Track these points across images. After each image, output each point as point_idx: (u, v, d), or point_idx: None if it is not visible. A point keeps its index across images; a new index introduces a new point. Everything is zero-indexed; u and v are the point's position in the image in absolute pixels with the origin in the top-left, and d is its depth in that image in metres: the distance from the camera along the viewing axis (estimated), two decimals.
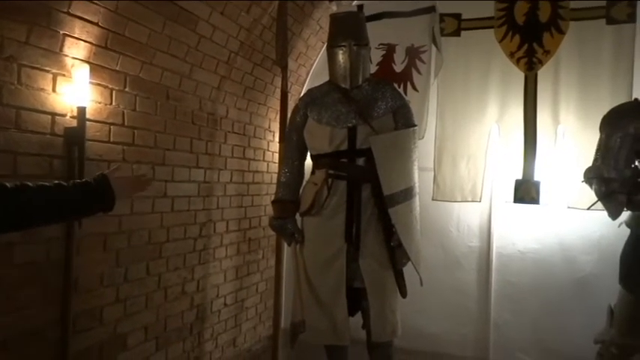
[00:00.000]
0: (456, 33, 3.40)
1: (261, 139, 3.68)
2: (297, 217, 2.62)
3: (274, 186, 3.76)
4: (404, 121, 2.53)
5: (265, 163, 3.75)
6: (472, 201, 3.42)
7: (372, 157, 2.39)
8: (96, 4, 2.09)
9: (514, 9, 3.24)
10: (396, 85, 2.80)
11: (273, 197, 2.76)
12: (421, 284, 2.57)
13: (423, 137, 3.29)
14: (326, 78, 2.65)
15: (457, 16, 3.40)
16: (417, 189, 2.54)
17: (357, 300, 2.50)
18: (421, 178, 2.66)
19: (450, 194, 3.46)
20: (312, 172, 2.57)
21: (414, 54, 3.49)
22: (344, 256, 2.40)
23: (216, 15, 2.76)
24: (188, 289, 2.92)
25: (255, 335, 3.73)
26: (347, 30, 2.48)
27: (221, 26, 2.84)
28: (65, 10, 1.98)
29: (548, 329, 3.40)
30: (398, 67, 3.53)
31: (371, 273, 2.40)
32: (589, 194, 2.45)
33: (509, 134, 3.29)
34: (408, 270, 2.54)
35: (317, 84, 2.77)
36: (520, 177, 3.22)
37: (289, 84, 3.40)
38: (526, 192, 3.20)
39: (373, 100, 2.49)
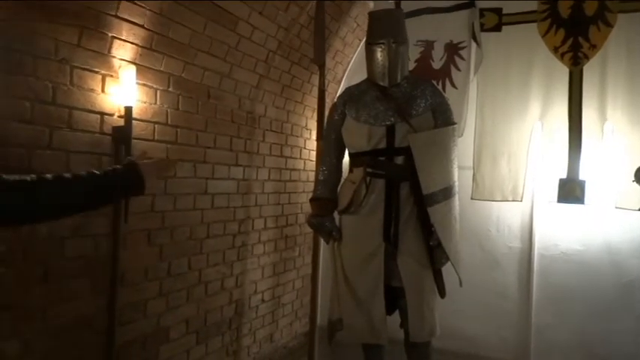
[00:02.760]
0: (497, 28, 3.32)
1: (298, 137, 3.71)
2: (335, 215, 2.63)
3: (311, 184, 3.82)
4: (443, 118, 2.49)
5: (302, 161, 3.78)
6: (513, 200, 3.33)
7: (411, 156, 2.37)
8: (141, 6, 2.16)
9: (558, 2, 3.14)
10: (434, 83, 2.76)
11: (310, 195, 2.77)
12: (460, 284, 2.53)
13: (462, 135, 3.23)
14: (363, 75, 2.64)
15: (498, 11, 3.32)
16: (456, 188, 2.50)
17: (394, 299, 2.49)
18: (459, 176, 2.61)
19: (489, 193, 3.38)
20: (350, 171, 2.56)
21: (452, 50, 3.43)
22: (382, 254, 2.39)
23: (255, 15, 2.80)
24: (227, 285, 2.98)
25: (292, 331, 3.77)
26: (386, 27, 2.46)
27: (260, 26, 2.88)
28: (113, 13, 2.06)
29: (592, 335, 3.29)
30: (436, 64, 3.47)
31: (409, 272, 2.38)
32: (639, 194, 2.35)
33: (553, 132, 3.18)
34: (446, 270, 2.51)
35: (354, 82, 2.76)
36: (564, 176, 3.11)
37: (326, 82, 3.41)
38: (570, 191, 3.09)
39: (412, 97, 2.47)
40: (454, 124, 2.56)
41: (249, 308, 3.22)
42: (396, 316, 2.52)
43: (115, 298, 2.18)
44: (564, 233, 3.41)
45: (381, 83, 2.49)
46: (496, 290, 3.59)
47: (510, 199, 3.32)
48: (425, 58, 3.47)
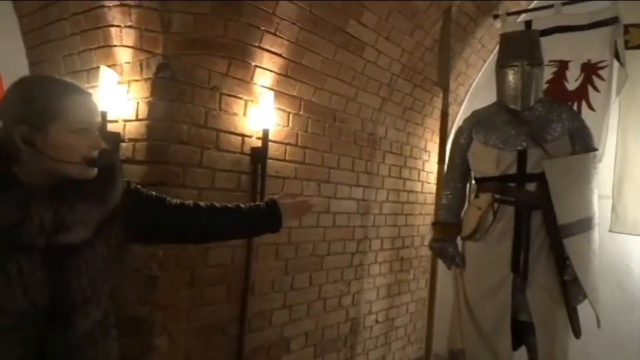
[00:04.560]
0: None
1: (416, 159, 3.69)
2: (458, 240, 2.56)
3: (428, 206, 3.77)
4: (583, 144, 2.33)
5: (420, 183, 3.75)
6: None
7: (545, 183, 2.24)
8: (281, 37, 2.34)
9: None
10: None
11: (429, 218, 2.74)
12: (598, 325, 2.31)
13: (600, 161, 2.97)
14: (486, 97, 2.57)
15: None
16: (596, 219, 2.31)
17: (521, 334, 2.35)
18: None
19: (631, 226, 3.05)
20: (476, 196, 2.49)
21: (590, 70, 3.19)
22: (509, 285, 2.28)
23: (381, 40, 2.87)
24: (344, 302, 3.04)
25: (404, 356, 3.71)
26: (520, 49, 2.38)
27: (385, 50, 2.95)
28: (257, 45, 2.26)
29: None
30: (571, 85, 3.25)
31: (540, 307, 2.23)
32: None
33: None
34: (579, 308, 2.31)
35: (476, 104, 2.69)
36: None
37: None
38: None
39: (547, 121, 2.34)
40: (595, 150, 2.37)
41: (363, 327, 3.24)
42: (521, 353, 2.37)
43: (245, 306, 2.35)
44: None
45: (513, 106, 2.40)
46: (635, 335, 3.19)
47: None
48: (558, 78, 3.27)
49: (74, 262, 1.07)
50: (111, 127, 2.10)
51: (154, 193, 1.34)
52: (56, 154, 1.03)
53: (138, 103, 2.07)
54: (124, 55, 2.12)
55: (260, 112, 2.34)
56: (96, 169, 1.10)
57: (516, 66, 2.36)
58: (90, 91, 1.13)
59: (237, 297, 2.33)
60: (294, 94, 2.56)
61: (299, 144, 2.63)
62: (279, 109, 2.48)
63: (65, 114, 1.04)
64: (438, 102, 3.48)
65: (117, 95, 2.08)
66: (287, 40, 2.37)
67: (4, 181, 1.00)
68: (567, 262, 2.22)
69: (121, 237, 1.18)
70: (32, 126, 1.01)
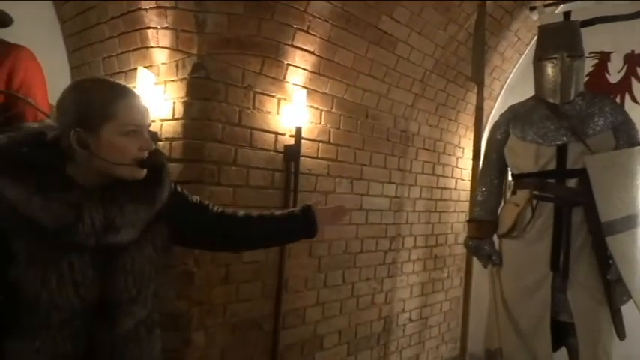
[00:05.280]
0: None
1: (450, 155, 3.63)
2: (495, 238, 2.51)
3: (462, 203, 3.70)
4: (627, 138, 2.24)
5: (454, 180, 3.69)
6: None
7: (586, 179, 2.16)
8: (313, 34, 2.34)
9: None
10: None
11: (464, 216, 2.69)
12: None
13: None
14: (521, 92, 2.51)
15: None
16: None
17: (560, 335, 2.28)
18: None
19: None
20: (513, 192, 2.43)
21: (634, 61, 3.07)
22: (549, 285, 2.22)
23: (414, 35, 2.84)
24: (377, 300, 3.03)
25: (438, 355, 3.66)
26: (559, 41, 2.31)
27: (418, 46, 2.91)
28: (289, 43, 2.27)
29: None
30: (613, 78, 3.14)
31: (582, 307, 2.16)
32: None
33: None
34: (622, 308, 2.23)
35: (511, 98, 2.62)
36: None
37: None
38: None
39: (588, 115, 2.26)
40: None
41: (397, 326, 3.22)
42: (560, 354, 2.30)
43: (279, 303, 2.36)
44: None
45: (552, 100, 2.33)
46: None
47: None
48: (599, 71, 3.16)
49: (121, 261, 1.10)
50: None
51: (198, 198, 1.36)
52: (108, 156, 1.06)
53: (174, 102, 2.11)
54: (160, 56, 2.17)
55: (293, 110, 2.36)
56: (145, 170, 1.13)
57: (555, 58, 2.29)
58: (139, 94, 1.16)
59: (271, 294, 2.35)
60: (327, 91, 2.56)
61: (331, 141, 2.63)
62: (312, 106, 2.49)
63: (118, 116, 1.07)
64: (472, 97, 3.41)
65: (154, 95, 2.13)
66: (319, 37, 2.37)
67: (60, 182, 1.04)
68: (610, 261, 2.14)
69: (166, 238, 1.21)
70: (86, 128, 1.05)
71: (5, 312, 1.02)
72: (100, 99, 1.07)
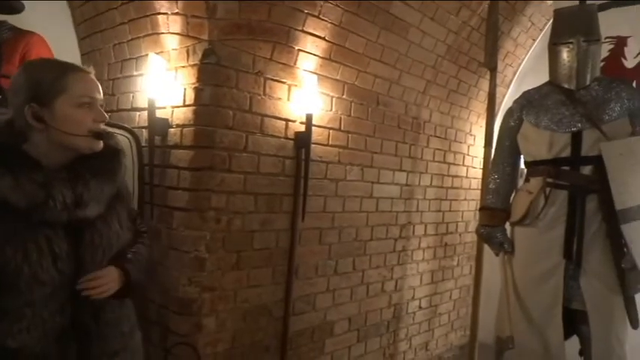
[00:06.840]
0: None
1: (461, 142, 3.60)
2: (507, 226, 2.49)
3: (473, 192, 3.68)
4: None
5: (465, 168, 3.66)
6: None
7: (602, 166, 2.13)
8: (324, 19, 2.31)
9: None
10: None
11: (476, 204, 2.67)
12: None
13: None
14: (535, 78, 2.47)
15: None
16: None
17: (572, 322, 2.26)
18: None
19: None
20: (526, 180, 2.40)
21: None
22: (561, 273, 2.19)
23: (426, 20, 2.79)
24: (387, 288, 3.03)
25: (447, 342, 3.67)
26: (575, 25, 2.26)
27: (430, 31, 2.87)
28: (300, 28, 2.25)
29: None
30: (629, 63, 3.08)
31: (595, 295, 2.14)
32: None
33: None
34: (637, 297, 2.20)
35: (524, 85, 2.58)
36: None
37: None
38: None
39: (604, 101, 2.22)
40: None
41: (406, 313, 3.22)
42: (570, 342, 2.29)
43: (290, 290, 2.37)
44: None
45: (567, 86, 2.29)
46: None
47: None
48: (615, 56, 3.10)
49: (90, 236, 1.19)
50: (160, 114, 2.15)
51: (143, 226, 1.49)
52: (64, 127, 1.14)
53: (185, 89, 2.11)
54: (171, 42, 2.16)
55: (303, 97, 2.34)
56: (102, 143, 1.22)
57: (571, 43, 2.24)
58: (89, 69, 1.23)
59: (282, 280, 2.35)
60: (338, 77, 2.54)
61: (342, 128, 2.61)
62: (323, 93, 2.47)
63: (69, 89, 1.15)
64: (484, 84, 3.37)
65: (165, 82, 2.13)
66: (330, 22, 2.34)
67: (26, 163, 1.10)
68: (625, 250, 2.12)
69: (127, 217, 1.33)
70: (40, 103, 1.12)
71: None
72: (50, 74, 1.15)
